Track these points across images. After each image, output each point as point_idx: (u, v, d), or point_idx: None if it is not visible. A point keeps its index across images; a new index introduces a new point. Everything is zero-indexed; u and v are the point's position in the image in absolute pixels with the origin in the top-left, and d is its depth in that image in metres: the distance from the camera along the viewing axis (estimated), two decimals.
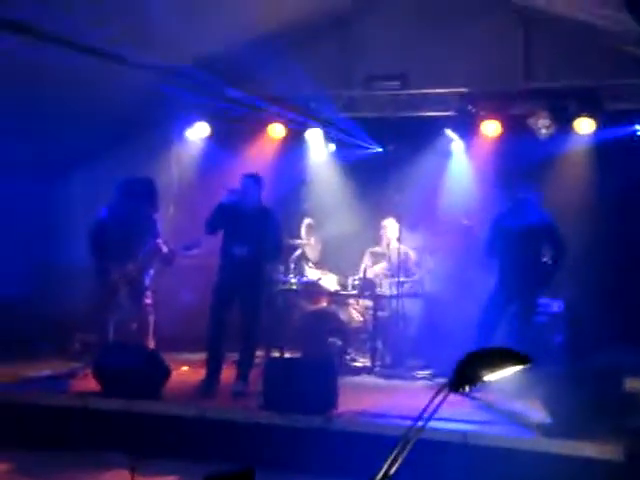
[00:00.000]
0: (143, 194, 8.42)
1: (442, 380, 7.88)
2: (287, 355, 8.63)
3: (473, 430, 6.14)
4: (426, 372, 8.61)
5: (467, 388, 2.49)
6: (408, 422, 6.16)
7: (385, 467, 2.42)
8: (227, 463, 6.25)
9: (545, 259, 7.86)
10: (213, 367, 7.70)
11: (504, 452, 5.91)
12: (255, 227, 7.63)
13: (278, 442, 6.51)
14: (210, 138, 10.44)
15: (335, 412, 6.65)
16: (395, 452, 2.41)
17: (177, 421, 6.87)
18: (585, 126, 9.00)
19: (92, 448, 6.61)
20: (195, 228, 9.78)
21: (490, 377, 2.55)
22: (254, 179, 7.83)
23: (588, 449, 5.76)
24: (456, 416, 6.39)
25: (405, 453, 2.41)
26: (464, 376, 2.53)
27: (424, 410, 2.43)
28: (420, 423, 2.43)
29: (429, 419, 2.46)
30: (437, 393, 2.50)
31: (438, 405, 2.42)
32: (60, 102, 8.86)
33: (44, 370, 8.37)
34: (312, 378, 6.70)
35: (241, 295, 7.69)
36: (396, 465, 2.43)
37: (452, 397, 7.03)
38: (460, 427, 6.17)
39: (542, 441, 5.98)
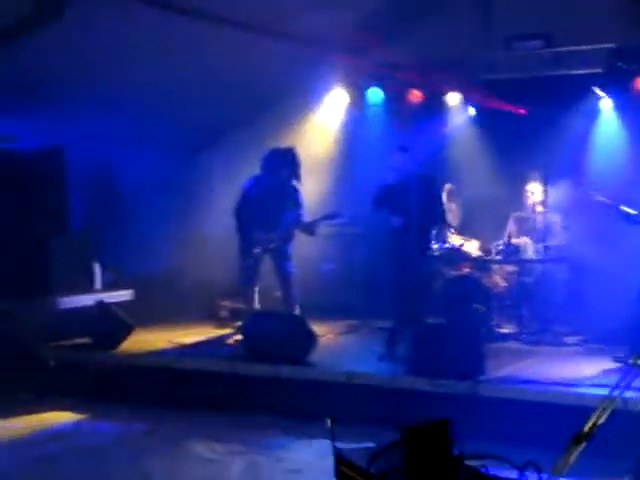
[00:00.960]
0: (285, 164, 8.55)
1: (593, 346, 7.73)
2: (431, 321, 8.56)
3: (633, 396, 5.90)
4: (576, 338, 8.38)
5: None
6: (558, 388, 6.12)
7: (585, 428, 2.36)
8: (372, 427, 6.40)
9: None
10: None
11: None
12: (415, 197, 7.69)
13: (424, 407, 6.48)
14: (349, 106, 10.43)
15: (481, 378, 6.57)
16: (592, 419, 2.37)
17: (325, 386, 6.96)
18: None
19: (243, 411, 6.81)
20: (336, 198, 9.94)
21: None
22: (404, 150, 7.98)
23: None
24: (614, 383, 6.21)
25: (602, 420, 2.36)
26: None
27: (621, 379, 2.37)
28: (616, 392, 2.37)
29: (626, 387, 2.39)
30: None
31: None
32: (203, 73, 9.08)
33: (196, 337, 8.68)
34: (458, 344, 6.64)
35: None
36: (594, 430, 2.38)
37: (610, 365, 6.82)
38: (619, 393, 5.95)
39: None
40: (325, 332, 8.70)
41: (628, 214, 7.61)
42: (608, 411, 2.38)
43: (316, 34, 9.27)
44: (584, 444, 2.63)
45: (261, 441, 6.37)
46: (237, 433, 6.53)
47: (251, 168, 9.30)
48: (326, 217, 8.63)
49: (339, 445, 3.91)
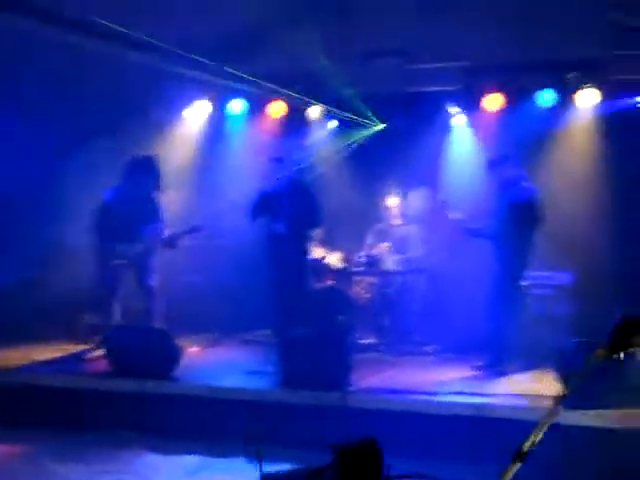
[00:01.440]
0: (145, 173, 8.41)
1: (451, 355, 8.03)
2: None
3: (489, 403, 6.17)
4: (434, 347, 8.65)
5: (622, 355, 2.40)
6: (422, 397, 6.31)
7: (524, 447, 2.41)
8: (243, 441, 6.38)
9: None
10: None
11: (518, 424, 5.94)
12: (295, 203, 7.86)
13: (295, 419, 6.54)
14: (211, 117, 10.40)
15: (349, 389, 6.67)
16: (531, 438, 2.41)
17: (191, 401, 6.88)
18: (588, 98, 9.01)
19: (106, 428, 6.63)
20: (197, 209, 9.87)
21: None
22: (278, 162, 8.11)
23: (602, 419, 5.80)
24: (473, 391, 6.48)
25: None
26: (621, 342, 2.41)
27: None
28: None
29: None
30: (592, 359, 2.45)
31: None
32: (61, 82, 8.83)
33: (54, 352, 8.38)
34: (325, 356, 6.72)
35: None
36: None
37: (469, 373, 7.13)
38: (476, 401, 6.21)
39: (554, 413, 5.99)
40: (190, 345, 8.60)
41: (472, 229, 7.97)
42: (545, 429, 2.45)
43: (180, 45, 9.21)
44: (520, 464, 2.67)
45: (126, 460, 6.22)
46: (101, 452, 6.35)
47: (114, 177, 9.16)
48: (187, 231, 8.53)
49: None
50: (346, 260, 9.45)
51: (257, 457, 3.63)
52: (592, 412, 5.84)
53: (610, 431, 5.75)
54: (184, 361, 7.48)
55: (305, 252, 8.22)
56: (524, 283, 7.75)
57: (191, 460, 6.27)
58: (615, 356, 2.40)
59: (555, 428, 5.67)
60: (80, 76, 8.92)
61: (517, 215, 7.49)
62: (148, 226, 8.37)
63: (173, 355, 7.33)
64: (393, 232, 9.23)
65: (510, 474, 2.53)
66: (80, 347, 8.65)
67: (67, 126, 9.80)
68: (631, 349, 2.41)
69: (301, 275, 8.11)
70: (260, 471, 3.61)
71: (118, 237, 8.29)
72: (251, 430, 6.53)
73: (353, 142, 10.13)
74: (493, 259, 7.65)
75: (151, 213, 8.42)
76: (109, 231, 8.31)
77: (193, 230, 8.54)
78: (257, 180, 8.11)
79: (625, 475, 5.58)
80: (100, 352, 7.84)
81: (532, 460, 5.57)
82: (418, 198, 9.36)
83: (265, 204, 7.91)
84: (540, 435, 2.44)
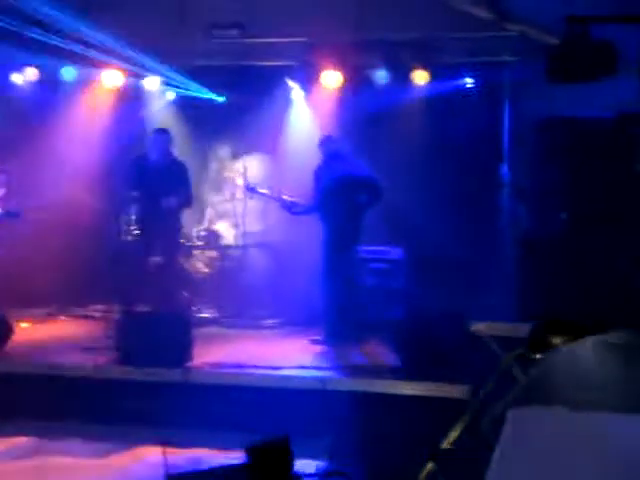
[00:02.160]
0: None
1: (290, 328, 8.14)
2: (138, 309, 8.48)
3: (330, 376, 6.33)
4: (273, 321, 8.76)
5: (540, 355, 2.51)
6: (264, 372, 6.39)
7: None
8: (83, 421, 6.26)
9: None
10: None
11: (360, 396, 6.15)
12: (168, 180, 8.01)
13: (136, 397, 6.45)
14: (39, 84, 9.96)
15: (191, 365, 6.66)
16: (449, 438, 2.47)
17: (25, 380, 6.64)
18: (419, 78, 9.31)
19: None
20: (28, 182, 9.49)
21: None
22: (165, 135, 8.28)
23: (436, 390, 6.10)
24: (314, 364, 6.63)
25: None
26: (540, 342, 2.53)
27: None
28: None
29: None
30: (512, 358, 2.54)
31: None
32: None
33: None
34: (167, 331, 6.67)
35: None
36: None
37: (309, 347, 7.30)
38: (318, 374, 6.36)
39: (394, 384, 6.26)
40: (22, 321, 8.27)
41: (292, 205, 8.15)
42: (462, 426, 2.52)
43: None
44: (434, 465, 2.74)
45: None
46: None
47: None
48: (6, 215, 8.19)
49: None
50: (186, 234, 9.36)
51: (163, 455, 3.53)
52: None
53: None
54: (15, 337, 7.20)
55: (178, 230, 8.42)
56: (356, 255, 7.95)
57: (24, 442, 6.06)
58: (533, 356, 2.54)
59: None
60: None
61: (342, 190, 7.71)
62: None
63: (2, 331, 7.03)
64: (234, 206, 9.19)
65: (425, 473, 2.61)
66: None
67: None
68: (549, 349, 2.56)
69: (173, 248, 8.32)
70: (166, 472, 3.52)
71: None
72: (89, 409, 6.43)
73: (191, 114, 9.99)
74: (322, 231, 7.83)
75: None
76: None
77: (10, 215, 8.18)
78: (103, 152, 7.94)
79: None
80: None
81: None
82: (258, 171, 9.36)
83: (136, 180, 8.05)
84: (457, 433, 2.54)
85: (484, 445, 5.10)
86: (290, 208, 8.14)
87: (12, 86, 9.92)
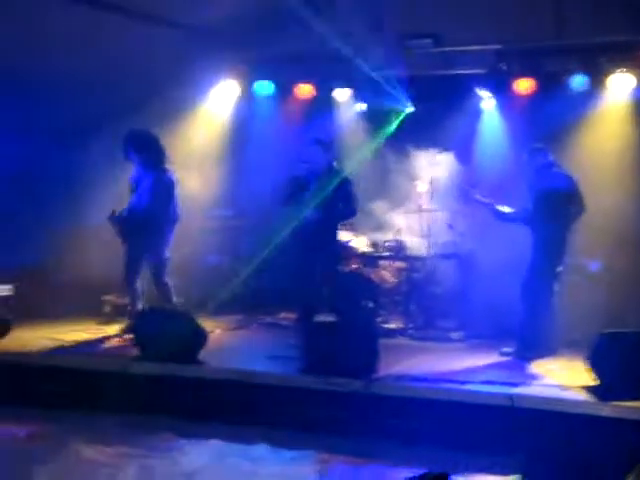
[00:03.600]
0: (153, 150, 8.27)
1: (478, 341, 7.94)
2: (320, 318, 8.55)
3: (520, 393, 6.07)
4: (461, 333, 8.56)
5: None
6: (448, 385, 6.22)
7: None
8: (269, 427, 6.34)
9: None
10: None
11: (551, 415, 5.85)
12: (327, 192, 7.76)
13: (319, 406, 6.47)
14: (237, 99, 10.31)
15: (375, 376, 6.59)
16: None
17: (216, 385, 6.83)
18: (623, 82, 8.84)
19: (132, 412, 6.60)
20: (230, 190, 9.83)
21: None
22: (321, 144, 7.96)
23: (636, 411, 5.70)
24: (503, 379, 6.40)
25: None
26: None
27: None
28: None
29: None
30: None
31: None
32: (82, 64, 8.78)
33: (80, 334, 8.36)
34: (354, 342, 6.64)
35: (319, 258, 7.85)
36: None
37: (498, 360, 7.08)
38: (507, 390, 6.12)
39: (589, 404, 5.92)
40: (214, 328, 8.55)
41: (503, 213, 7.89)
42: None
43: (207, 25, 9.15)
44: None
45: (153, 443, 6.15)
46: (129, 435, 6.28)
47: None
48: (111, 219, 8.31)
49: None
50: (373, 244, 9.35)
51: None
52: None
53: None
54: (209, 344, 7.43)
55: (336, 239, 8.15)
56: (560, 269, 7.64)
57: (216, 445, 6.21)
58: None
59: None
60: (106, 52, 8.86)
61: (555, 201, 7.42)
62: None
63: (199, 339, 7.28)
64: (422, 217, 9.08)
65: None
66: (105, 328, 8.64)
67: (90, 104, 9.74)
68: None
69: (331, 262, 8.03)
70: None
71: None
72: (275, 416, 6.50)
73: (382, 125, 9.99)
74: (530, 245, 7.54)
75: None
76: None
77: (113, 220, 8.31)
78: (288, 163, 7.96)
79: None
80: (128, 335, 7.82)
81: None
82: (448, 182, 9.17)
83: (298, 189, 7.80)
84: None
85: None
86: (502, 216, 7.91)
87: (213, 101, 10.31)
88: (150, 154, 8.19)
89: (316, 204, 7.74)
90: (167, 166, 8.27)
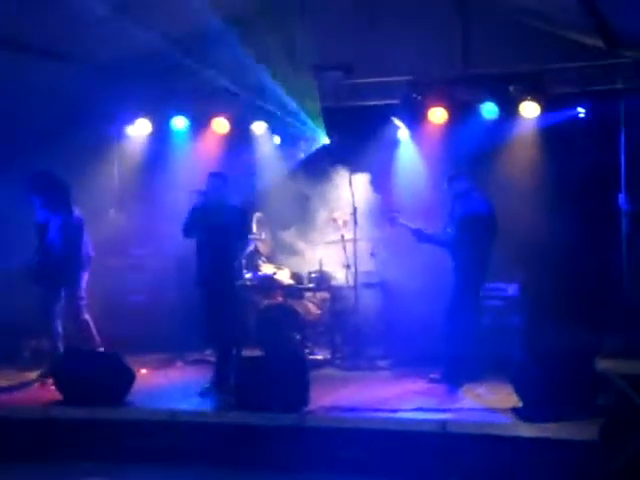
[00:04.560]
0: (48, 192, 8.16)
1: (403, 369, 8.00)
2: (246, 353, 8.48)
3: (451, 418, 6.15)
4: (387, 361, 8.63)
5: None
6: (380, 414, 6.25)
7: None
8: (201, 465, 6.26)
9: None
10: None
11: (482, 438, 5.95)
12: (225, 225, 7.59)
13: (252, 441, 6.43)
14: (151, 136, 10.25)
15: (307, 409, 6.58)
16: None
17: (147, 426, 6.71)
18: (530, 110, 9.12)
19: (63, 459, 6.43)
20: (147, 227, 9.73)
21: None
22: (220, 178, 7.86)
23: (562, 431, 5.84)
24: (433, 406, 6.47)
25: None
26: None
27: None
28: None
29: None
30: None
31: None
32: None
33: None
34: (284, 375, 6.61)
35: (215, 292, 7.65)
36: None
37: (427, 387, 7.14)
38: (438, 416, 6.19)
39: (517, 425, 6.04)
40: (139, 367, 8.37)
41: (429, 235, 8.02)
42: None
43: (120, 62, 9.09)
44: None
45: None
46: None
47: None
48: None
49: None
50: (296, 276, 9.37)
51: None
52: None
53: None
54: (135, 384, 7.30)
55: (229, 276, 7.91)
56: (480, 294, 7.80)
57: None
58: None
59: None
60: (13, 92, 8.72)
61: (475, 226, 7.57)
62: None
63: (126, 379, 7.14)
64: (344, 247, 9.11)
65: None
66: (26, 374, 8.39)
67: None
68: None
69: (230, 292, 7.83)
70: None
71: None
72: (211, 454, 6.43)
73: (298, 157, 10.07)
74: (451, 269, 7.68)
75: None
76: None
77: None
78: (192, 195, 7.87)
79: None
80: (48, 379, 7.62)
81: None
82: (367, 212, 9.27)
83: (194, 220, 7.71)
84: None
85: None
86: (427, 238, 8.02)
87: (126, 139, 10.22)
88: (54, 195, 8.12)
89: (209, 232, 7.64)
90: (72, 207, 8.18)
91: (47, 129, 9.58)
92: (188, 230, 7.74)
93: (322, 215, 9.46)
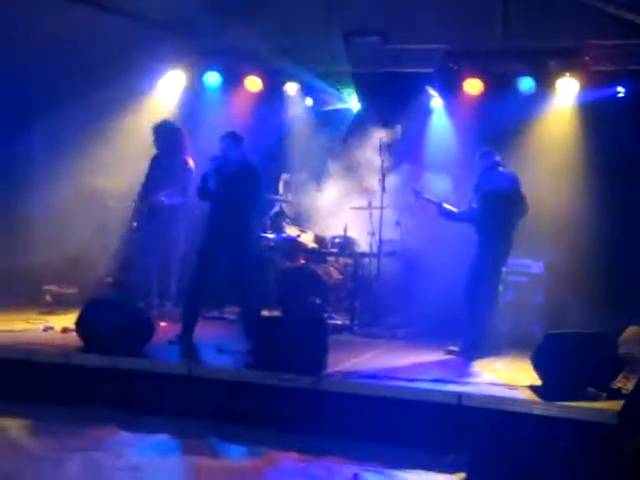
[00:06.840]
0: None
1: (423, 338, 7.96)
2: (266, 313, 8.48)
3: (467, 392, 6.13)
4: (406, 330, 8.61)
5: None
6: (396, 383, 6.25)
7: None
8: (213, 420, 6.29)
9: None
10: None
11: (497, 414, 5.93)
12: (239, 187, 7.48)
13: (266, 401, 6.44)
14: (184, 90, 10.18)
15: (324, 372, 6.57)
16: None
17: (163, 378, 6.75)
18: (568, 86, 8.99)
19: (80, 404, 6.48)
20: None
21: None
22: (233, 139, 7.70)
23: (581, 412, 5.79)
24: (450, 378, 6.45)
25: None
26: None
27: None
28: None
29: None
30: None
31: None
32: (23, 51, 8.60)
33: (19, 323, 8.18)
34: (303, 338, 6.59)
35: (230, 253, 7.57)
36: None
37: (444, 358, 7.13)
38: (454, 389, 6.17)
39: (534, 403, 6.00)
40: (159, 320, 8.39)
41: (451, 212, 7.97)
42: None
43: (156, 14, 9.02)
44: None
45: (98, 436, 6.06)
46: (73, 428, 6.18)
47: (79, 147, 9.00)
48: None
49: None
50: (321, 240, 9.34)
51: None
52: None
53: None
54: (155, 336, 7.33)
55: (246, 237, 7.80)
56: (504, 269, 7.74)
57: (163, 439, 6.14)
58: None
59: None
60: (52, 39, 8.69)
61: (499, 201, 7.50)
62: None
63: (146, 332, 7.17)
64: (370, 214, 9.06)
65: None
66: (46, 318, 8.46)
67: (32, 92, 9.55)
68: None
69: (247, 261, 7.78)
70: None
71: None
72: (223, 410, 6.46)
73: (330, 120, 10.00)
74: (474, 244, 7.61)
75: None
76: None
77: None
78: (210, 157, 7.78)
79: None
80: (71, 325, 7.67)
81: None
82: (396, 181, 9.20)
83: (207, 184, 7.63)
84: None
85: None
86: (449, 215, 7.97)
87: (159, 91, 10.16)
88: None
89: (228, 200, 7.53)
90: None
91: (83, 79, 9.56)
92: (203, 194, 7.72)
93: (350, 180, 9.40)
